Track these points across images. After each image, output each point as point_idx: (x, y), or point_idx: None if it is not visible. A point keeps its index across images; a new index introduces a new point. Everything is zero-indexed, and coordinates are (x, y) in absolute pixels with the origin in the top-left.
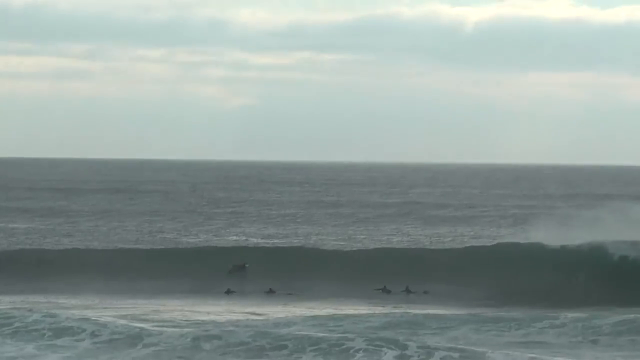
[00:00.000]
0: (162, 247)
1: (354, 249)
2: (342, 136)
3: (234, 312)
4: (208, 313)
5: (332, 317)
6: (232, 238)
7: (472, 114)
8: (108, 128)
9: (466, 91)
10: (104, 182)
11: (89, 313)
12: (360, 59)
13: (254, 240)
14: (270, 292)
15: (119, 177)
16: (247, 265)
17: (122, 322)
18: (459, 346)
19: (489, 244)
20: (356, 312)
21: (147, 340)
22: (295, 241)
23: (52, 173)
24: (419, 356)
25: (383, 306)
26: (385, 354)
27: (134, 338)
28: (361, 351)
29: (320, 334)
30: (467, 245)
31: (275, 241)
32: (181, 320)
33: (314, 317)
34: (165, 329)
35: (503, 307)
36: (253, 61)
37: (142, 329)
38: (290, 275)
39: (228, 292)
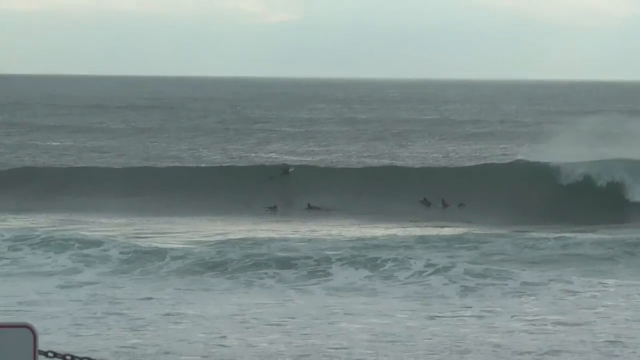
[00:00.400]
0: (200, 165)
1: (390, 164)
2: (381, 51)
3: (273, 230)
4: (247, 230)
5: (371, 234)
6: (269, 155)
7: (512, 28)
8: (146, 44)
9: (506, 5)
10: (142, 99)
11: (117, 231)
12: None
13: (291, 157)
14: (310, 207)
15: (155, 95)
16: (291, 170)
17: (151, 240)
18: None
19: (506, 161)
20: (393, 226)
21: (173, 254)
22: (333, 157)
23: (90, 89)
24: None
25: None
26: (415, 263)
27: (161, 253)
28: (389, 261)
29: (351, 246)
30: (487, 162)
31: (311, 158)
32: (214, 235)
33: (352, 235)
34: (194, 246)
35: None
36: None
37: (171, 247)
38: (330, 190)
39: (272, 208)
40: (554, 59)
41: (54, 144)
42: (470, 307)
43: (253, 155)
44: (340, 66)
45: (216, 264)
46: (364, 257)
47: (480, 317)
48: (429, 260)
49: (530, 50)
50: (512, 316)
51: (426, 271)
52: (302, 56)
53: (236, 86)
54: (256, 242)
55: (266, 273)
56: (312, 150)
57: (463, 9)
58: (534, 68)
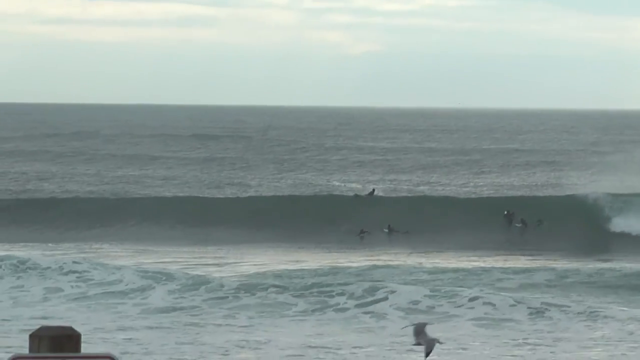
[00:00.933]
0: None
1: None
2: (466, 81)
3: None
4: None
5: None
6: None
7: (596, 59)
8: (232, 74)
9: (591, 36)
10: (222, 128)
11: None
12: (482, 4)
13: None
14: (390, 230)
15: (237, 124)
16: (375, 192)
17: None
18: None
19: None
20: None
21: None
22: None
23: (173, 119)
24: None
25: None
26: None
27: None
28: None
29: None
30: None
31: (393, 186)
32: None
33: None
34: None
35: None
36: (378, 7)
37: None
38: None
39: (361, 233)
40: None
41: (134, 173)
42: None
43: (335, 182)
44: (420, 95)
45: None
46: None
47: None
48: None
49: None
50: None
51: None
52: (385, 86)
53: (318, 115)
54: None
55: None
56: (395, 179)
57: (547, 40)
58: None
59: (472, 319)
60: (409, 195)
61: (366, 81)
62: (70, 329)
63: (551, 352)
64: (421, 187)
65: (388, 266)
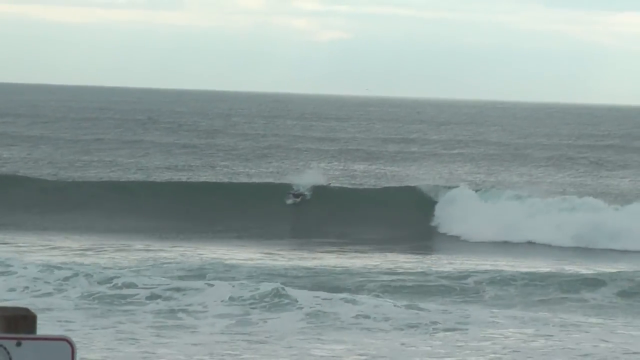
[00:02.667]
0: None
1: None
2: (429, 72)
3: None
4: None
5: None
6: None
7: (564, 53)
8: (196, 59)
9: (558, 29)
10: (179, 114)
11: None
12: None
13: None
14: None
15: (189, 109)
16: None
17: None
18: None
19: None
20: None
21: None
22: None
23: (137, 102)
24: None
25: None
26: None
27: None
28: None
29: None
30: None
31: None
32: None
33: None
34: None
35: None
36: None
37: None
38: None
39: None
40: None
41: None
42: None
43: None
44: (387, 85)
45: None
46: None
47: None
48: None
49: (585, 75)
50: None
51: None
52: (350, 74)
53: (276, 102)
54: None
55: None
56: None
57: (513, 32)
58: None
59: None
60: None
61: (332, 69)
62: (26, 310)
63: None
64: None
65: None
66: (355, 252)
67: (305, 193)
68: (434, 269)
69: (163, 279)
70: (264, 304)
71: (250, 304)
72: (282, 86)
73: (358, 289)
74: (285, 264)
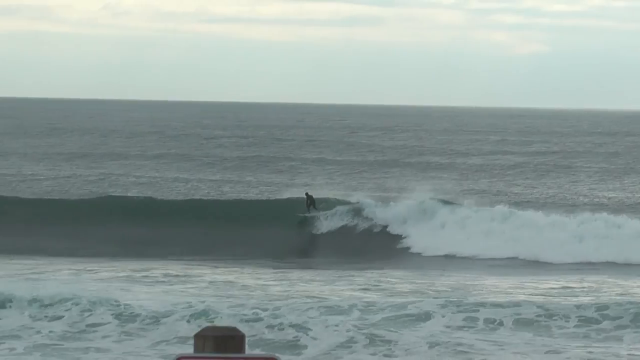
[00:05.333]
0: None
1: None
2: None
3: None
4: None
5: None
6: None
7: None
8: (397, 75)
9: None
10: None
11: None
12: None
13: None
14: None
15: (394, 123)
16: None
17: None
18: None
19: None
20: None
21: None
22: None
23: (335, 118)
24: None
25: None
26: None
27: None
28: None
29: None
30: None
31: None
32: None
33: None
34: None
35: None
36: (546, 8)
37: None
38: None
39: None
40: None
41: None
42: None
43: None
44: (592, 97)
45: None
46: None
47: None
48: None
49: None
50: None
51: None
52: (551, 87)
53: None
54: None
55: None
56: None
57: None
58: None
59: None
60: None
61: (532, 83)
62: (234, 329)
63: None
64: None
65: None
66: None
67: None
68: None
69: None
70: None
71: None
72: (484, 100)
73: None
74: None
